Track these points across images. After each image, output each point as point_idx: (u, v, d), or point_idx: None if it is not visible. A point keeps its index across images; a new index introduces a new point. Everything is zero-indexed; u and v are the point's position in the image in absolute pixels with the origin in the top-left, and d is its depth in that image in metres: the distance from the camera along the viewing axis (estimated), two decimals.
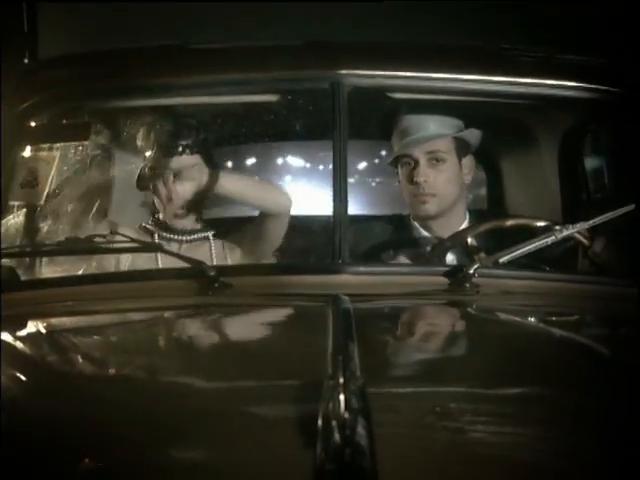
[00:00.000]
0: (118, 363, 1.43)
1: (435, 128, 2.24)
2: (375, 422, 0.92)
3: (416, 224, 2.27)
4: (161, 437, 1.04)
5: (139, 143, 2.15)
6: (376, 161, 2.50)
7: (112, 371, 1.42)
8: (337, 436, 0.90)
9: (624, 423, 1.09)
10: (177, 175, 2.16)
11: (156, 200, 2.22)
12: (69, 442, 1.07)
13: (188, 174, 2.17)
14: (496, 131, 2.57)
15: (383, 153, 2.41)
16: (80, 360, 1.56)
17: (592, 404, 1.15)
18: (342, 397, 0.94)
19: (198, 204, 2.22)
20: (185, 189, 2.17)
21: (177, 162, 2.16)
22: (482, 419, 1.09)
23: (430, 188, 2.22)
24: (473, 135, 2.29)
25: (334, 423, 0.91)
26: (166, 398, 1.17)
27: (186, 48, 2.18)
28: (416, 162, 2.23)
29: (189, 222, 2.23)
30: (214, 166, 2.24)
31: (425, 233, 2.25)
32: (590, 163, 2.51)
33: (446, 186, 2.24)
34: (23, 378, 1.36)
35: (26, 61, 5.79)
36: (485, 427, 1.08)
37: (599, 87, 2.08)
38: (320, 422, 0.93)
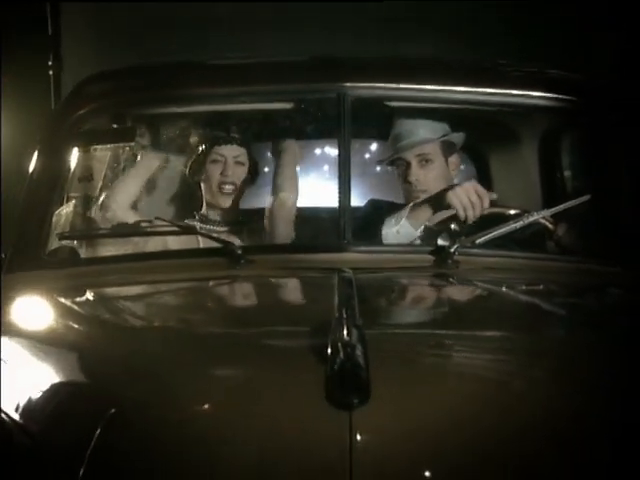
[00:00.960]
0: (166, 317, 1.82)
1: (424, 133, 2.57)
2: (369, 347, 1.30)
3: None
4: (200, 363, 1.43)
5: (191, 140, 2.55)
6: (375, 159, 2.86)
7: (160, 322, 1.82)
8: (341, 355, 1.28)
9: (571, 356, 1.48)
10: (229, 160, 2.58)
11: (205, 187, 2.61)
12: (123, 372, 1.47)
13: (239, 160, 2.60)
14: (485, 133, 2.91)
15: (381, 151, 2.78)
16: (132, 316, 1.96)
17: (546, 344, 1.55)
18: (345, 329, 1.32)
19: (239, 190, 2.62)
20: (236, 172, 2.59)
21: (229, 150, 2.58)
22: (456, 348, 1.47)
23: (421, 186, 2.55)
24: (458, 137, 2.63)
25: (339, 346, 1.29)
26: (205, 337, 1.56)
27: (217, 64, 2.56)
28: (408, 164, 2.56)
29: (228, 211, 2.60)
30: (254, 164, 2.66)
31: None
32: (563, 159, 2.87)
33: (435, 183, 2.54)
34: (84, 332, 1.76)
35: (50, 63, 6.03)
36: (460, 353, 1.47)
37: (566, 97, 2.45)
38: (330, 346, 1.30)
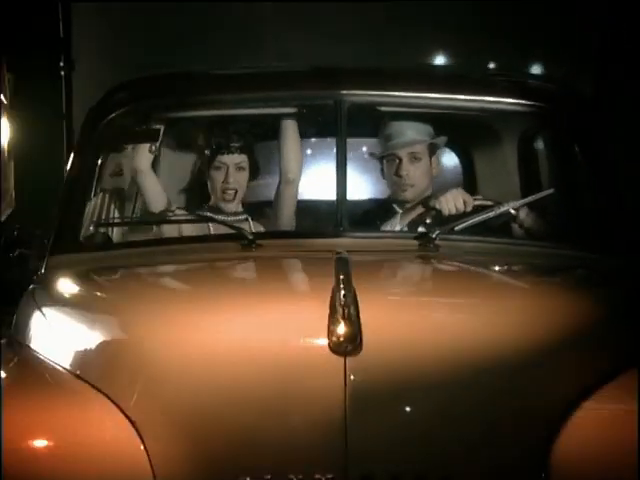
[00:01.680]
0: (189, 285, 2.19)
1: (413, 134, 2.92)
2: (361, 307, 1.66)
3: (395, 205, 2.95)
4: (224, 314, 1.85)
5: (199, 144, 2.88)
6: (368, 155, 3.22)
7: (185, 289, 2.20)
8: (339, 313, 1.64)
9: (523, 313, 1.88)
10: (231, 168, 2.85)
11: (211, 186, 2.90)
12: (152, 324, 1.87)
13: (240, 167, 2.88)
14: (467, 134, 3.28)
15: (373, 149, 3.14)
16: (158, 286, 2.33)
17: (513, 303, 1.95)
18: (342, 293, 1.67)
19: (241, 191, 2.91)
20: (238, 178, 2.87)
21: (230, 159, 2.87)
22: (432, 307, 1.87)
23: (410, 180, 2.91)
24: (441, 140, 2.98)
25: (337, 306, 1.65)
26: (227, 297, 1.94)
27: (227, 73, 2.91)
28: (400, 160, 2.91)
29: (234, 206, 2.90)
30: (255, 164, 2.95)
31: (399, 210, 2.91)
32: (535, 157, 3.23)
33: (421, 178, 2.92)
34: (116, 301, 2.13)
35: (62, 64, 6.27)
36: (435, 311, 1.87)
37: (536, 103, 2.80)
38: (329, 306, 1.66)
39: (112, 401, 1.78)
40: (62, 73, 5.82)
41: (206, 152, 2.87)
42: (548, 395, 1.74)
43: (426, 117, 2.91)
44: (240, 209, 2.93)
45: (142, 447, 1.73)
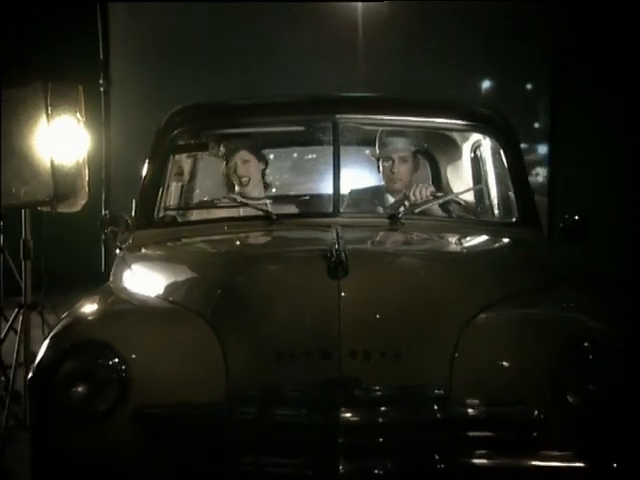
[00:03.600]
0: (230, 249, 3.32)
1: (401, 143, 4.02)
2: (349, 253, 2.74)
3: (387, 195, 4.09)
4: (257, 259, 3.01)
5: (223, 152, 4.03)
6: (355, 160, 4.33)
7: (226, 250, 3.32)
8: (334, 255, 2.72)
9: (459, 259, 3.01)
10: (238, 162, 4.01)
11: (233, 179, 4.05)
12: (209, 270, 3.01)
13: (244, 161, 4.02)
14: (438, 144, 4.43)
15: (360, 156, 4.30)
16: (210, 249, 3.45)
17: (447, 249, 3.13)
18: (337, 245, 2.76)
19: (254, 178, 4.04)
20: (244, 169, 4.02)
21: (238, 156, 4.01)
22: (397, 253, 3.04)
23: (399, 175, 4.02)
24: (421, 149, 4.13)
25: (334, 251, 2.73)
26: (257, 250, 3.09)
27: (255, 102, 4.04)
28: (393, 161, 4.03)
29: (256, 192, 4.02)
30: (260, 157, 4.10)
31: (390, 198, 4.05)
32: (477, 161, 4.34)
33: (406, 175, 4.03)
34: (183, 257, 3.25)
35: (101, 81, 7.27)
36: (399, 256, 3.04)
37: (479, 124, 3.92)
38: (329, 252, 2.75)
39: (195, 313, 2.84)
40: (102, 89, 6.87)
41: (224, 156, 4.06)
42: (466, 304, 2.80)
43: (403, 132, 4.02)
44: (262, 195, 4.04)
45: (218, 344, 2.70)
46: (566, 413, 2.65)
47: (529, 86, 7.53)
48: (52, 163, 4.43)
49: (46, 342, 2.79)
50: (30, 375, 2.76)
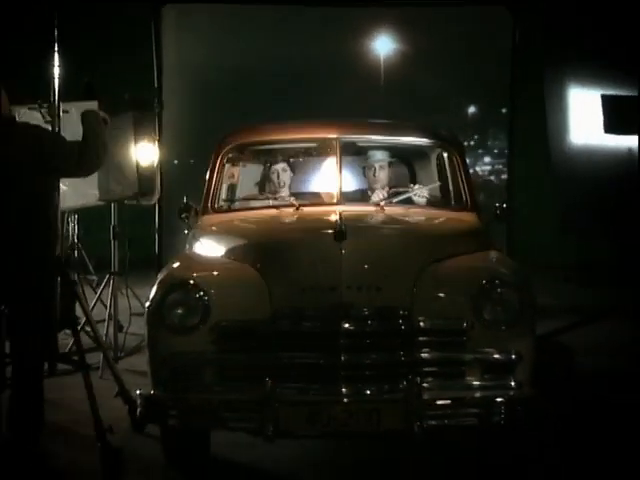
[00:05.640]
0: (268, 225, 5.05)
1: (381, 154, 5.70)
2: (347, 225, 4.36)
3: (369, 192, 5.76)
4: (286, 229, 4.87)
5: (267, 162, 5.72)
6: (352, 167, 5.43)
7: (266, 225, 5.05)
8: (338, 226, 4.32)
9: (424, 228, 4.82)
10: (280, 171, 5.67)
11: (272, 182, 5.71)
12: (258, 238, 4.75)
13: (283, 170, 5.68)
14: (412, 155, 6.12)
15: (354, 163, 5.92)
16: (254, 226, 5.16)
17: (415, 228, 4.86)
18: (339, 222, 4.37)
19: (287, 183, 5.69)
20: (281, 177, 5.67)
21: (278, 167, 5.69)
22: (383, 225, 4.87)
23: (379, 178, 5.70)
24: (395, 159, 5.80)
25: (337, 224, 4.32)
26: (285, 224, 4.89)
27: (284, 125, 5.78)
28: (375, 169, 5.70)
29: (284, 192, 5.67)
30: (292, 170, 5.77)
31: (371, 194, 5.73)
32: (439, 167, 5.98)
33: (385, 179, 5.71)
34: (237, 231, 4.96)
35: (155, 105, 8.58)
36: (384, 224, 4.90)
37: (439, 141, 5.62)
38: (335, 225, 4.37)
39: (248, 264, 4.44)
40: (156, 110, 8.16)
41: (268, 165, 5.75)
42: (424, 257, 4.30)
43: (385, 147, 5.71)
44: (288, 193, 5.71)
45: (264, 283, 4.09)
46: (483, 325, 4.12)
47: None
48: (137, 168, 6.18)
49: (155, 284, 4.42)
50: (147, 304, 4.35)
